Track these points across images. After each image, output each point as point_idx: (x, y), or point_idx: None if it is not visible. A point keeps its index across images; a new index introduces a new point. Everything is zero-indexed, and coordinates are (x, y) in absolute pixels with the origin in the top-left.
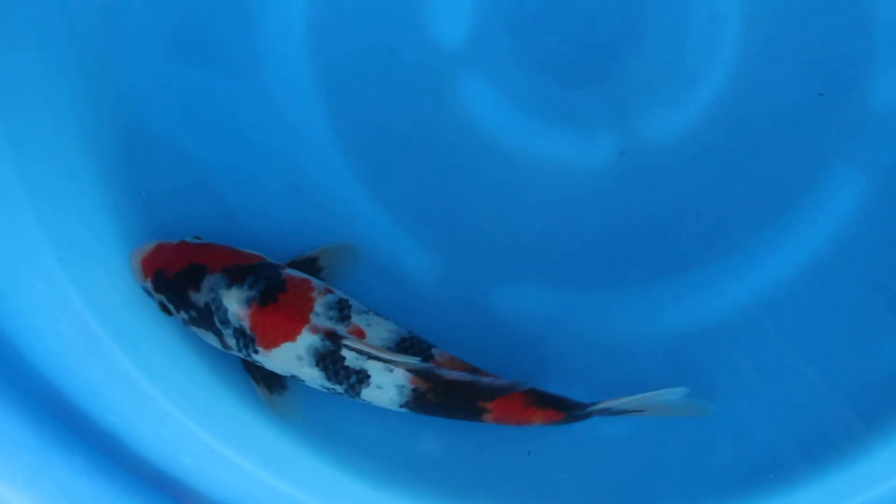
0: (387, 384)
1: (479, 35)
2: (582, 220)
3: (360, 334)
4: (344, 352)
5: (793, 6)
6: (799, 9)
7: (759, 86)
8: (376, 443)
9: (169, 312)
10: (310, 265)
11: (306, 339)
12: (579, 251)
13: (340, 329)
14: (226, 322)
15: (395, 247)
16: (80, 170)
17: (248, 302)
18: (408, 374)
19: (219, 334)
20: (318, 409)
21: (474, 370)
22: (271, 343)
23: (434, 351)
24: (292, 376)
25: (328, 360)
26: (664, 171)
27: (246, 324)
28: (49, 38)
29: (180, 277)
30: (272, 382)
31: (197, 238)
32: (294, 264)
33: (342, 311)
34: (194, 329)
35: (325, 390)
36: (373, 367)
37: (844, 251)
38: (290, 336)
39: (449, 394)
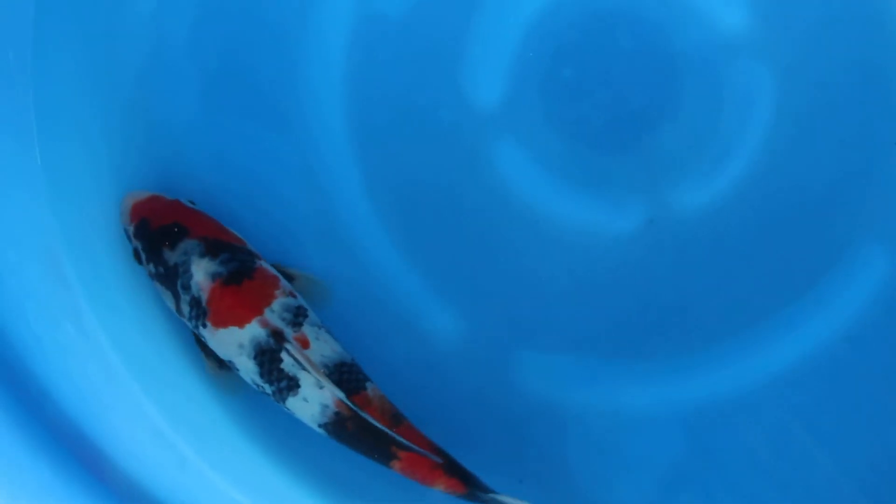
0: (313, 399)
1: (513, 98)
2: (607, 286)
3: (304, 344)
4: (284, 355)
5: (827, 86)
6: (832, 88)
7: (789, 162)
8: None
9: (139, 261)
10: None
11: (253, 330)
12: (602, 318)
13: (288, 332)
14: (187, 287)
15: (418, 303)
16: (111, 211)
17: (214, 277)
18: (332, 396)
19: (177, 297)
20: (334, 467)
21: (398, 418)
22: (220, 323)
23: (368, 385)
24: (230, 361)
25: (266, 357)
26: (691, 242)
27: (204, 296)
28: (91, 76)
29: (161, 232)
30: (218, 358)
31: (191, 202)
32: (274, 265)
33: (297, 316)
34: (156, 284)
35: (255, 386)
36: (305, 379)
37: (864, 334)
38: (240, 322)
39: (367, 429)
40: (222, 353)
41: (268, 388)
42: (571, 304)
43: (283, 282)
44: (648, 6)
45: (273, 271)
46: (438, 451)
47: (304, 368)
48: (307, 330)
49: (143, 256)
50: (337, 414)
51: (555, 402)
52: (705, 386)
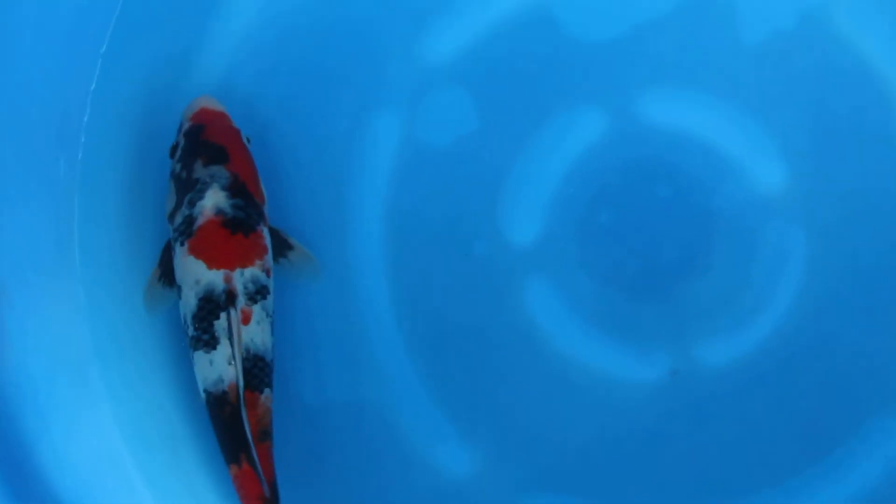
0: (216, 367)
1: (549, 237)
2: (627, 434)
3: (245, 319)
4: (223, 315)
5: (860, 254)
6: (865, 256)
7: (816, 326)
8: None
9: (171, 155)
10: (280, 244)
11: (215, 278)
12: (621, 465)
13: (241, 301)
14: (192, 204)
15: (437, 433)
16: (143, 328)
17: (217, 212)
18: (234, 378)
19: (178, 206)
20: None
21: (266, 435)
22: (196, 252)
23: (266, 391)
24: (179, 285)
25: (209, 306)
26: (713, 396)
27: (199, 221)
28: (133, 197)
29: (207, 146)
30: (170, 275)
31: (248, 140)
32: (277, 232)
33: (257, 293)
34: (170, 182)
35: (182, 321)
36: (223, 347)
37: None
38: (210, 264)
39: (236, 424)
40: (179, 274)
41: (190, 330)
42: (590, 449)
43: (268, 257)
44: (689, 159)
45: (267, 243)
46: (273, 490)
47: (229, 338)
48: (256, 310)
49: (178, 154)
50: (224, 393)
51: None
52: None
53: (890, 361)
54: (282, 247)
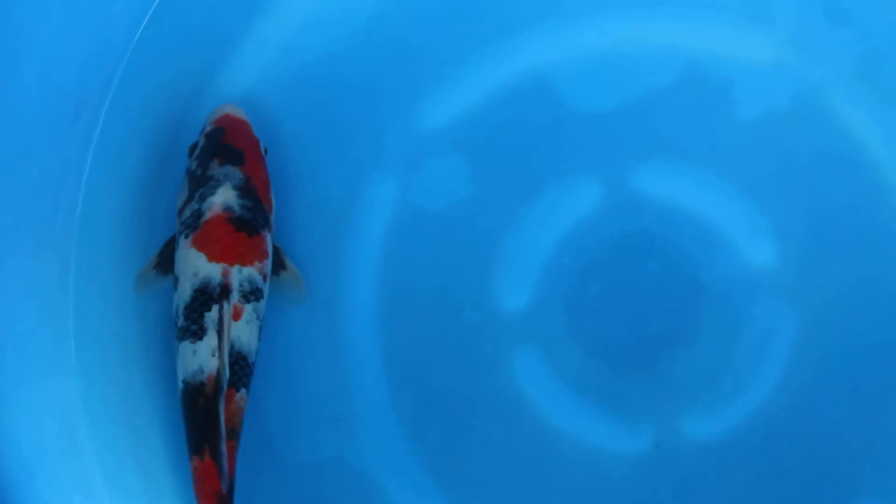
0: (200, 358)
1: (539, 306)
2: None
3: (235, 316)
4: (215, 308)
5: (846, 336)
6: (852, 339)
7: (799, 406)
8: None
9: (190, 153)
10: (277, 260)
11: (213, 271)
12: None
13: (234, 296)
14: (202, 199)
15: (420, 496)
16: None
17: (226, 208)
18: (215, 370)
19: (189, 200)
20: None
21: (234, 434)
22: (199, 244)
23: (243, 390)
24: (176, 275)
25: (203, 297)
26: (696, 470)
27: (207, 216)
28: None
29: (226, 148)
30: (167, 265)
31: (265, 150)
32: (277, 249)
33: (251, 293)
34: (185, 178)
35: (174, 308)
36: (209, 339)
37: None
38: (211, 257)
39: (208, 416)
40: (179, 264)
41: (180, 321)
42: None
43: (268, 263)
44: (681, 234)
45: (269, 249)
46: (230, 487)
47: (216, 331)
48: (248, 309)
49: (196, 153)
50: (202, 384)
51: None
52: None
53: (874, 444)
54: (277, 264)
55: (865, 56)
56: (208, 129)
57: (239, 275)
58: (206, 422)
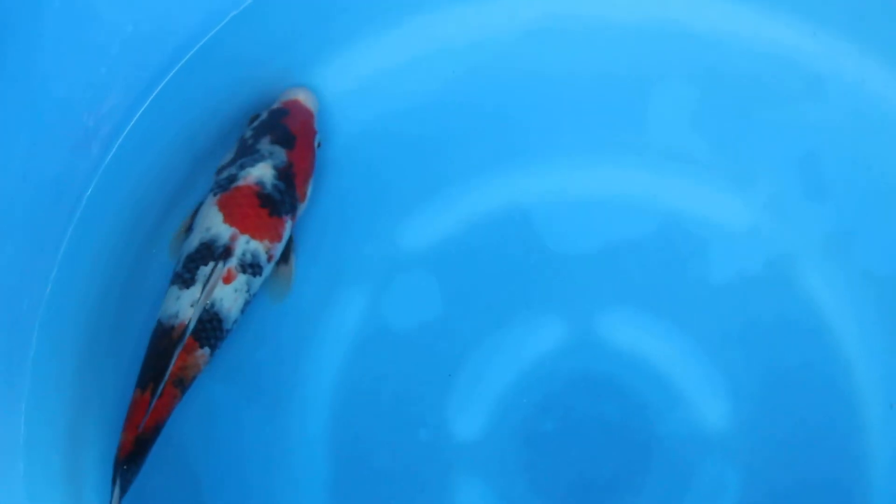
0: (180, 305)
1: (493, 436)
2: None
3: (226, 280)
4: (211, 265)
5: (791, 497)
6: (796, 499)
7: None
8: None
9: (250, 122)
10: (284, 251)
11: (224, 232)
12: None
13: (233, 262)
14: (241, 167)
15: None
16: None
17: (258, 183)
18: (187, 320)
19: (230, 163)
20: None
21: (180, 385)
22: (220, 204)
23: (206, 349)
24: (192, 226)
25: (205, 251)
26: None
27: (238, 183)
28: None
29: (283, 129)
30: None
31: (319, 144)
32: (290, 240)
33: (251, 267)
34: (237, 141)
35: (177, 255)
36: (194, 290)
37: None
38: (229, 220)
39: (163, 357)
40: (199, 217)
41: (179, 266)
42: None
43: (278, 247)
44: (639, 383)
45: (284, 235)
46: (150, 430)
47: (203, 285)
48: (241, 279)
49: (255, 123)
50: (172, 329)
51: None
52: None
53: None
54: (281, 255)
55: (837, 232)
56: (275, 106)
57: (245, 245)
58: (158, 361)
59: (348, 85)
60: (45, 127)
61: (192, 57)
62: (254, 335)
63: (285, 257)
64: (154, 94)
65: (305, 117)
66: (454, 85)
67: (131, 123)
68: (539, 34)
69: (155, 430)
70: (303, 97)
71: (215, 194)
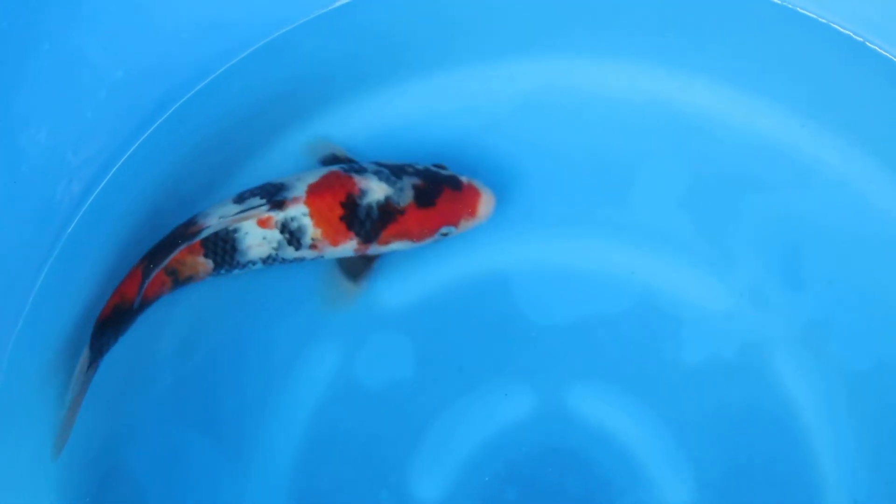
0: (220, 211)
1: (453, 502)
2: None
3: (262, 223)
4: (259, 204)
5: None
6: None
7: None
8: None
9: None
10: (367, 261)
11: (299, 189)
12: None
13: (279, 215)
14: (371, 169)
15: None
16: None
17: (361, 192)
18: (211, 227)
19: (378, 162)
20: None
21: (169, 274)
22: (320, 180)
23: (209, 260)
24: (283, 177)
25: (272, 191)
26: None
27: (352, 175)
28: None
29: (433, 190)
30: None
31: (445, 235)
32: (372, 258)
33: (291, 234)
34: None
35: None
36: (235, 208)
37: None
38: (310, 194)
39: (170, 244)
40: (302, 170)
41: (257, 188)
42: None
43: (328, 248)
44: (604, 459)
45: (342, 249)
46: (133, 303)
47: (241, 212)
48: (274, 234)
49: (432, 165)
50: (195, 226)
51: None
52: None
53: None
54: (359, 268)
55: (814, 324)
56: (462, 176)
57: (296, 211)
58: (166, 247)
59: (339, 144)
60: (27, 162)
61: (181, 106)
62: (222, 381)
63: (356, 276)
64: (141, 140)
65: (461, 206)
66: (442, 149)
67: (117, 165)
68: (535, 106)
69: (137, 304)
70: (486, 199)
71: (327, 162)
